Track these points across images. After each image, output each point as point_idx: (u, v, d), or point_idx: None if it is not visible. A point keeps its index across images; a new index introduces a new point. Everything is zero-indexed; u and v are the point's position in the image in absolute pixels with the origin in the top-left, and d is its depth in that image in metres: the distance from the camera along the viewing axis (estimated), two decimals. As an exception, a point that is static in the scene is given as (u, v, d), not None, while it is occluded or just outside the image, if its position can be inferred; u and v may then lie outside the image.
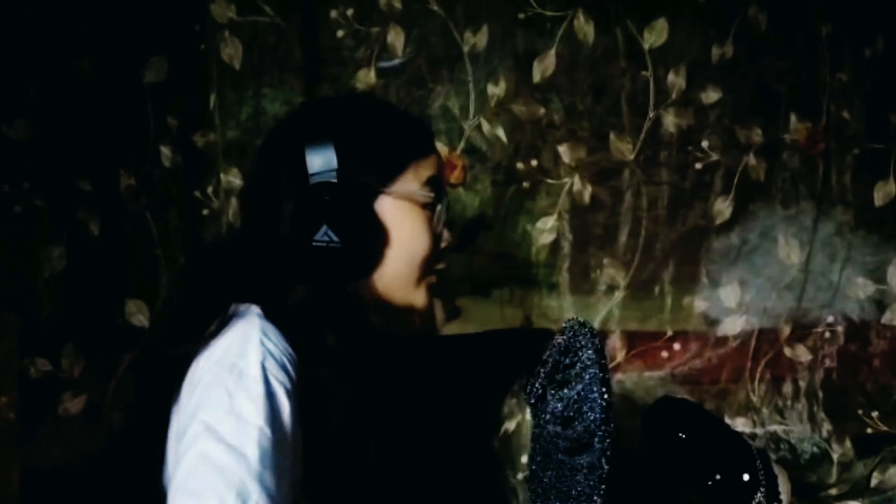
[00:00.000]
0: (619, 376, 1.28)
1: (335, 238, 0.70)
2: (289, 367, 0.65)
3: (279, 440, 0.61)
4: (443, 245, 0.79)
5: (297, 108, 0.82)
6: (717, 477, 0.80)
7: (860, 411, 1.35)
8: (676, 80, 1.26)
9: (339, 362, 0.67)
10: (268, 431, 0.60)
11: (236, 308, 0.70)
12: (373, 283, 0.74)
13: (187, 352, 0.66)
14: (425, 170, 0.76)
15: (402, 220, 0.74)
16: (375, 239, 0.73)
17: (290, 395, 0.63)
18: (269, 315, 0.68)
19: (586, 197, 1.27)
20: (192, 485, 0.57)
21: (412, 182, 0.75)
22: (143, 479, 0.68)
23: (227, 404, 0.60)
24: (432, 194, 0.76)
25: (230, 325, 0.67)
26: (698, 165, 1.29)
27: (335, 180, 0.70)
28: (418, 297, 0.77)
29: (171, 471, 0.65)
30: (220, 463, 0.57)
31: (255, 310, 0.69)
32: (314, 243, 0.70)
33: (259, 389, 0.61)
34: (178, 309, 0.76)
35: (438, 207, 0.77)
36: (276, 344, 0.65)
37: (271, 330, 0.66)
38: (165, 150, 1.15)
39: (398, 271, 0.74)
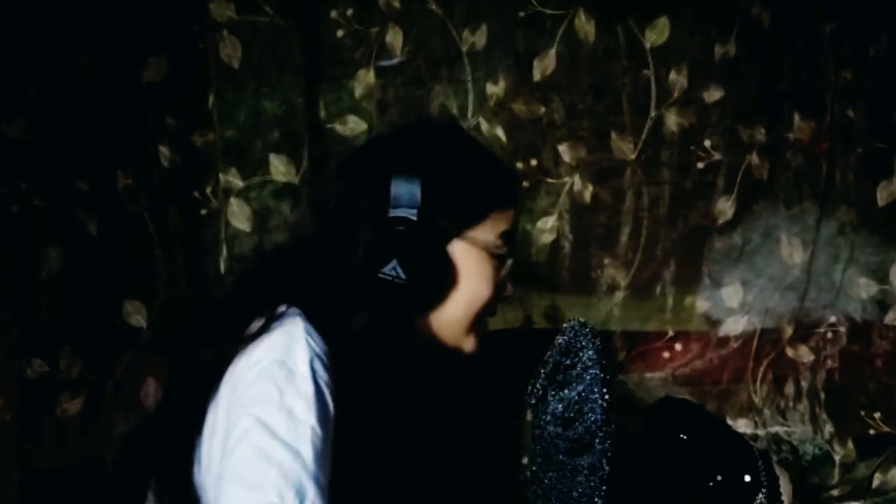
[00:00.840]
0: (619, 377, 1.28)
1: (402, 275, 0.70)
2: (329, 367, 0.65)
3: (326, 440, 0.61)
4: (504, 295, 0.79)
5: (388, 130, 0.81)
6: (719, 478, 0.80)
7: (862, 412, 1.35)
8: (678, 79, 1.26)
9: (389, 396, 0.68)
10: (319, 431, 0.60)
11: (285, 309, 0.70)
12: (428, 320, 0.75)
13: (228, 352, 0.66)
14: (503, 222, 0.76)
15: (471, 267, 0.74)
16: (442, 281, 0.73)
17: (332, 396, 0.64)
18: (313, 319, 0.68)
19: (587, 197, 1.26)
20: (250, 476, 0.58)
21: (489, 232, 0.75)
22: (173, 475, 0.68)
23: (278, 400, 0.61)
24: (506, 249, 0.76)
25: (276, 324, 0.67)
26: (700, 165, 1.29)
27: (415, 217, 0.70)
28: (468, 343, 0.77)
29: (207, 465, 0.65)
30: (278, 458, 0.58)
31: (296, 311, 0.69)
32: (380, 275, 0.70)
33: (309, 389, 0.62)
34: (225, 307, 0.77)
35: (508, 262, 0.77)
36: (318, 344, 0.66)
37: (313, 330, 0.67)
38: (164, 150, 1.14)
39: (455, 315, 0.75)
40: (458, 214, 0.73)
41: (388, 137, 0.82)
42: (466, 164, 0.76)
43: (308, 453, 0.59)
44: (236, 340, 0.67)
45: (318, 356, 0.64)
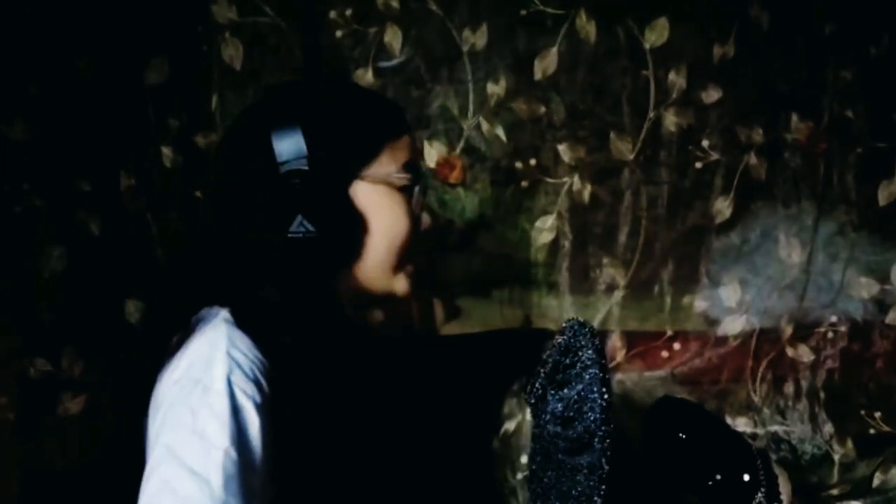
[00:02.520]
0: (619, 376, 1.28)
1: (311, 228, 0.67)
2: (260, 377, 0.62)
3: (246, 461, 0.58)
4: (422, 228, 0.77)
5: (261, 92, 0.77)
6: (718, 477, 0.80)
7: (862, 412, 1.35)
8: (677, 80, 1.26)
9: (315, 373, 0.65)
10: (233, 453, 0.57)
11: (204, 312, 0.67)
12: (351, 272, 0.72)
13: (156, 364, 0.64)
14: (401, 152, 0.73)
15: (380, 206, 0.71)
16: (353, 226, 0.70)
17: (260, 408, 0.60)
18: (240, 320, 0.65)
19: (586, 196, 1.27)
20: None
21: (388, 165, 0.72)
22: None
23: (191, 424, 0.58)
24: (409, 176, 0.73)
25: (196, 333, 0.64)
26: (698, 165, 1.29)
27: (306, 167, 0.67)
28: (398, 285, 0.75)
29: None
30: (183, 492, 0.55)
31: (223, 314, 0.66)
32: (289, 235, 0.67)
33: (224, 406, 0.59)
34: (159, 317, 0.75)
35: (416, 190, 0.74)
36: (246, 353, 0.62)
37: (239, 337, 0.63)
38: (166, 151, 1.15)
39: (377, 259, 0.72)
40: (350, 154, 0.70)
41: (257, 101, 0.77)
42: (345, 102, 0.73)
43: (217, 480, 0.56)
44: (161, 352, 0.64)
45: (238, 367, 0.61)
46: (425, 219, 0.78)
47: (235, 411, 0.59)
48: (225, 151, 0.74)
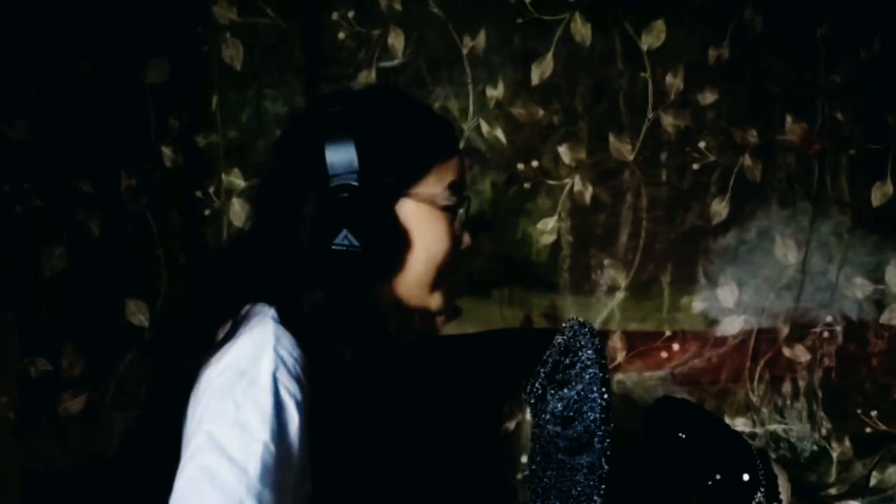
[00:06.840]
0: (619, 376, 1.29)
1: (355, 242, 0.68)
2: (301, 376, 0.63)
3: (283, 456, 0.59)
4: (462, 247, 0.77)
5: (315, 100, 0.78)
6: (717, 477, 0.81)
7: (859, 410, 1.36)
8: (674, 82, 1.27)
9: (352, 378, 0.66)
10: (272, 447, 0.58)
11: (250, 308, 0.68)
12: (391, 286, 0.73)
13: (199, 361, 0.65)
14: (449, 173, 0.74)
15: (424, 224, 0.72)
16: (397, 244, 0.71)
17: (300, 406, 0.62)
18: (284, 319, 0.66)
19: (587, 197, 1.27)
20: (190, 498, 0.57)
21: (435, 185, 0.72)
22: (155, 487, 0.66)
23: (234, 415, 0.59)
24: (455, 198, 0.74)
25: (244, 327, 0.65)
26: (695, 166, 1.30)
27: (356, 182, 0.68)
28: (434, 300, 0.76)
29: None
30: (221, 478, 0.56)
31: (271, 312, 0.67)
32: (333, 247, 0.68)
33: (268, 401, 0.60)
34: (189, 316, 0.75)
35: (460, 211, 0.75)
36: (290, 352, 0.64)
37: (285, 336, 0.65)
38: (167, 151, 1.15)
39: (417, 275, 0.73)
40: (399, 172, 0.71)
41: (313, 109, 0.78)
42: (399, 120, 0.74)
43: (255, 471, 0.57)
44: (206, 348, 0.65)
45: (284, 364, 0.62)
46: (466, 238, 0.78)
47: (278, 407, 0.60)
48: (277, 157, 0.74)
